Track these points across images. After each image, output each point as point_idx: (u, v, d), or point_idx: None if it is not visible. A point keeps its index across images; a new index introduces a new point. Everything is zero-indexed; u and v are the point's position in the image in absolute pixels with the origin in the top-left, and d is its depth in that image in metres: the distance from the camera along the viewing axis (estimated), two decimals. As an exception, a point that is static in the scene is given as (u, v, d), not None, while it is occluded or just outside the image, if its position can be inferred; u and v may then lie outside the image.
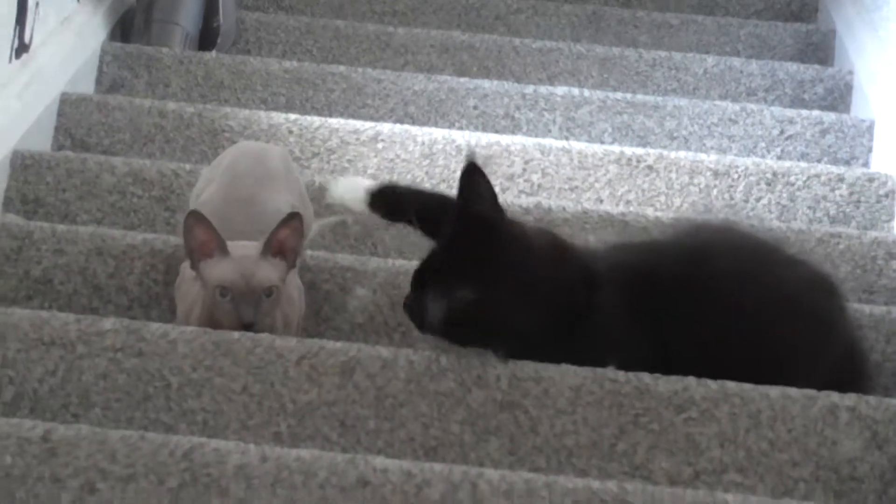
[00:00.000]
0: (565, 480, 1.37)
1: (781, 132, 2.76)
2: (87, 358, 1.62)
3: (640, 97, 2.78)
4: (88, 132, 2.53)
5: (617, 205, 2.45)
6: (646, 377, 1.62)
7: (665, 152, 2.50)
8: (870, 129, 2.75)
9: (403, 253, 2.17)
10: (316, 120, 2.52)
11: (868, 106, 2.85)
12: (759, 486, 1.53)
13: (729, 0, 3.48)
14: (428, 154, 2.49)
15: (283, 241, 1.68)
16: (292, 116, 2.53)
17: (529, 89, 2.78)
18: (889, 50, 2.79)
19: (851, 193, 2.46)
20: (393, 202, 1.79)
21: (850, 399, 1.60)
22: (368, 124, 2.51)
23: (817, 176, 2.48)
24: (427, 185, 2.45)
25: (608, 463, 1.55)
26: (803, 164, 2.51)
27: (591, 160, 2.48)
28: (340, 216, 2.10)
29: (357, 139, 2.50)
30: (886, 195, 2.45)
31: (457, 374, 1.61)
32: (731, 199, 2.45)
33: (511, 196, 2.41)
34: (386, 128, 2.51)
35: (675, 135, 2.76)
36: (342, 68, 2.81)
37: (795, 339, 1.66)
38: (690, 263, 1.69)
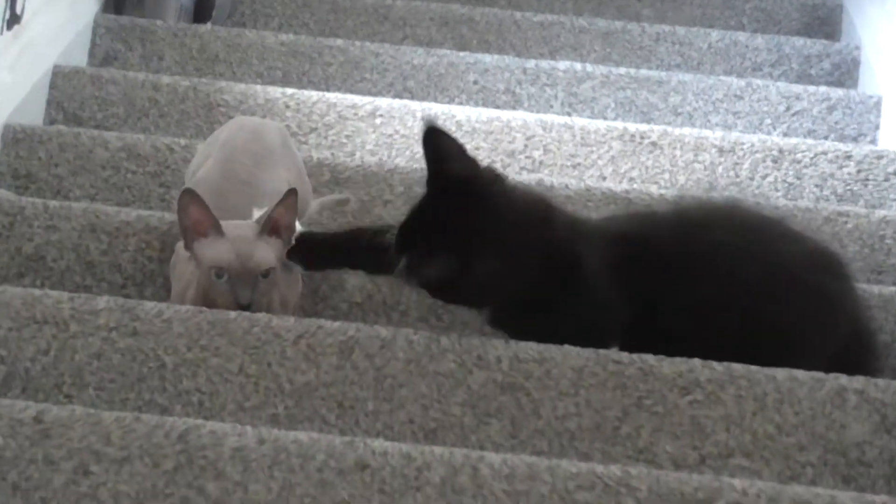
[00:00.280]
0: (568, 464, 1.38)
1: (788, 108, 2.76)
2: (81, 337, 1.62)
3: (643, 72, 2.79)
4: (81, 106, 2.52)
5: (620, 182, 2.44)
6: (650, 359, 1.62)
7: (669, 128, 2.50)
8: (877, 105, 2.75)
9: None
10: (313, 94, 2.52)
11: (875, 82, 2.85)
12: (765, 471, 1.53)
13: (734, -27, 3.49)
14: (427, 130, 2.48)
15: (279, 219, 1.68)
16: (289, 91, 2.53)
17: (531, 64, 2.77)
18: (898, 24, 2.79)
19: (859, 171, 2.45)
20: (309, 251, 1.75)
21: (858, 382, 1.60)
22: (366, 99, 2.51)
23: (824, 153, 2.47)
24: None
25: (612, 446, 1.55)
26: (810, 141, 2.51)
27: (594, 136, 2.48)
28: (343, 195, 2.11)
29: (355, 114, 2.49)
30: (895, 173, 2.45)
31: (457, 354, 1.61)
32: (737, 176, 2.44)
33: (512, 172, 2.40)
34: (384, 103, 2.51)
35: (680, 111, 2.75)
36: (339, 42, 2.81)
37: (799, 316, 1.66)
38: (688, 233, 1.69)
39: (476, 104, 2.74)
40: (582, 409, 1.58)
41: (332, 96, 2.52)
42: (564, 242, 1.62)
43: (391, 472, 1.36)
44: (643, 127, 2.50)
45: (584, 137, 2.47)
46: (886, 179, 2.45)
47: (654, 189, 2.32)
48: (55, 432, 1.37)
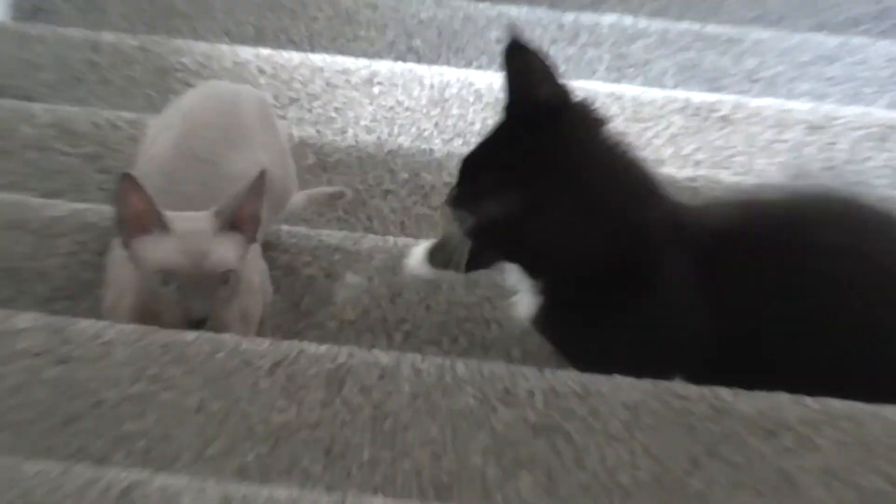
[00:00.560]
0: (621, 530, 1.36)
1: (893, 73, 2.77)
2: (-4, 365, 1.61)
3: (710, 28, 2.80)
4: (1, 70, 2.53)
5: (683, 167, 2.44)
6: (725, 393, 1.60)
7: (744, 99, 2.50)
8: None
9: (407, 228, 2.17)
10: (294, 56, 2.53)
11: None
12: (874, 539, 1.53)
13: None
14: (438, 101, 2.50)
15: (243, 209, 1.67)
16: (264, 52, 2.54)
17: (569, 18, 2.79)
18: None
19: None
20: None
21: None
22: (362, 62, 2.53)
23: (941, 130, 2.50)
24: (437, 142, 2.45)
25: (676, 506, 1.54)
26: (923, 115, 2.53)
27: (649, 109, 2.49)
28: (336, 188, 2.13)
29: (347, 81, 2.51)
30: None
31: (478, 387, 1.61)
32: (831, 158, 2.45)
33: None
34: (384, 67, 2.52)
35: (757, 76, 2.76)
36: (328, -11, 2.84)
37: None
38: (800, 234, 1.68)
39: (500, 68, 2.72)
40: (638, 457, 1.56)
41: (318, 59, 2.53)
42: (657, 226, 1.62)
43: (393, 541, 1.35)
44: (711, 97, 2.52)
45: (637, 111, 2.49)
46: None
47: (725, 175, 2.33)
48: (-40, 490, 1.36)
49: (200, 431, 1.58)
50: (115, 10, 2.79)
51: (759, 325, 1.64)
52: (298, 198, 2.02)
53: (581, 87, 2.41)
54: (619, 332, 1.65)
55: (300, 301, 1.88)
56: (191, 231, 1.65)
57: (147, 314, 1.68)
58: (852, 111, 2.50)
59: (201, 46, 2.53)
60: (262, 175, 1.67)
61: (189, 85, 2.46)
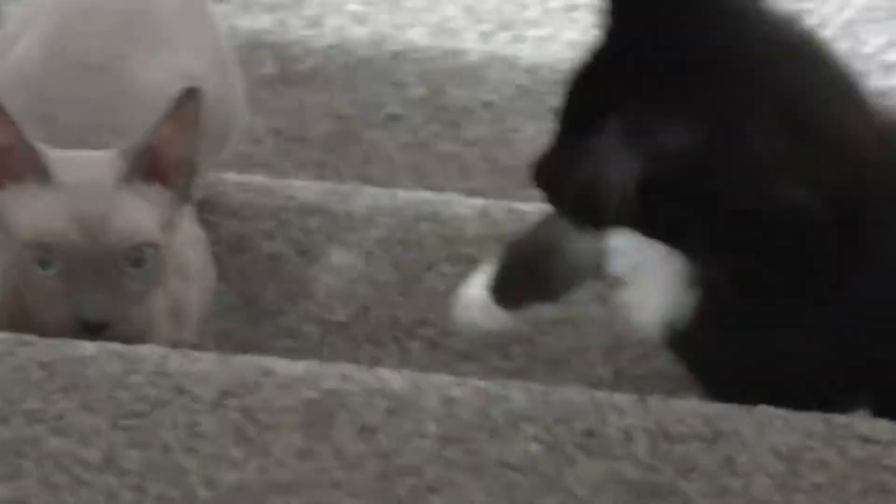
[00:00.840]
0: None
1: None
2: None
3: None
4: None
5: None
6: None
7: None
8: None
9: (427, 176, 2.08)
10: None
11: None
12: None
13: None
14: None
15: (164, 148, 1.59)
16: None
17: None
18: None
19: None
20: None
21: None
22: None
23: None
24: (470, 36, 2.40)
25: None
26: None
27: None
28: None
29: None
30: None
31: (544, 426, 1.50)
32: None
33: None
34: None
35: None
36: None
37: None
38: None
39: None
40: (798, 535, 1.48)
41: None
42: (882, 162, 1.54)
43: None
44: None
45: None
46: None
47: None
48: None
49: (108, 498, 1.45)
50: None
51: None
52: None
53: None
54: (801, 326, 1.56)
55: (260, 293, 1.80)
56: (83, 182, 1.59)
57: (19, 314, 1.62)
58: None
59: None
60: (191, 92, 1.59)
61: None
